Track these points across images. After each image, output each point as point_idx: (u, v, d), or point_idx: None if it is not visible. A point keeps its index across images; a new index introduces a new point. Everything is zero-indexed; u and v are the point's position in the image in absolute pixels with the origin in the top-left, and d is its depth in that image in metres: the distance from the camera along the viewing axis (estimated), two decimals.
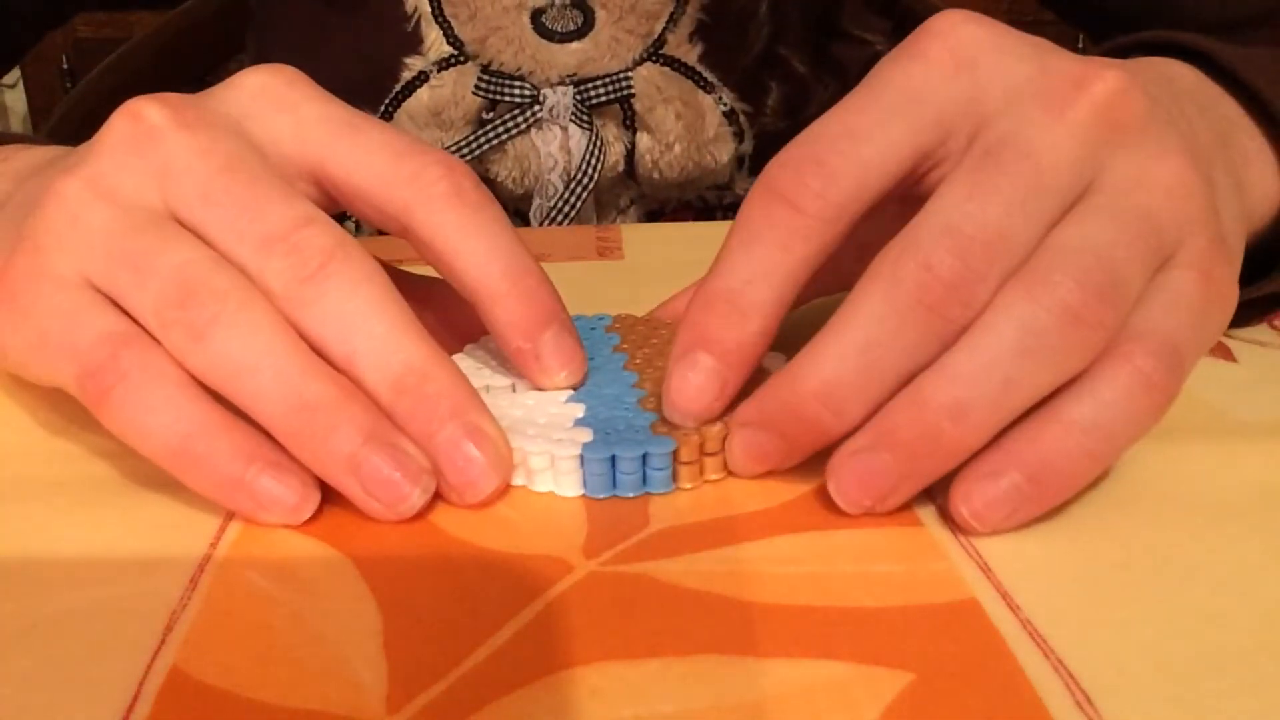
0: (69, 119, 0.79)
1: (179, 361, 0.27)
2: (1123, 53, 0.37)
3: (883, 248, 0.26)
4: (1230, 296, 0.28)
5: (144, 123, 0.29)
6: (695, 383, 0.28)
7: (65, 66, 2.06)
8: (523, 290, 0.29)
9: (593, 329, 0.35)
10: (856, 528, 0.27)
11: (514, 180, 0.58)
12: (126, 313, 0.28)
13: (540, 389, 0.30)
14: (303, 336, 0.27)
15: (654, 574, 0.25)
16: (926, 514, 0.27)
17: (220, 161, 0.28)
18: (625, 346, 0.33)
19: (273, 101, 0.30)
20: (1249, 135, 0.36)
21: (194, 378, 0.27)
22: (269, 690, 0.22)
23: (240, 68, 0.31)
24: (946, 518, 0.27)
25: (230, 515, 0.27)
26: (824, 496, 0.28)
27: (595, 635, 0.23)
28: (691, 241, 0.50)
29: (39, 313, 0.28)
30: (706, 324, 0.28)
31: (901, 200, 0.28)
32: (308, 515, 0.27)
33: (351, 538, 0.26)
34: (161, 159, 0.28)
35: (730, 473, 0.29)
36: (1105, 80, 0.27)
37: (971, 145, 0.27)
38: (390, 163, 0.30)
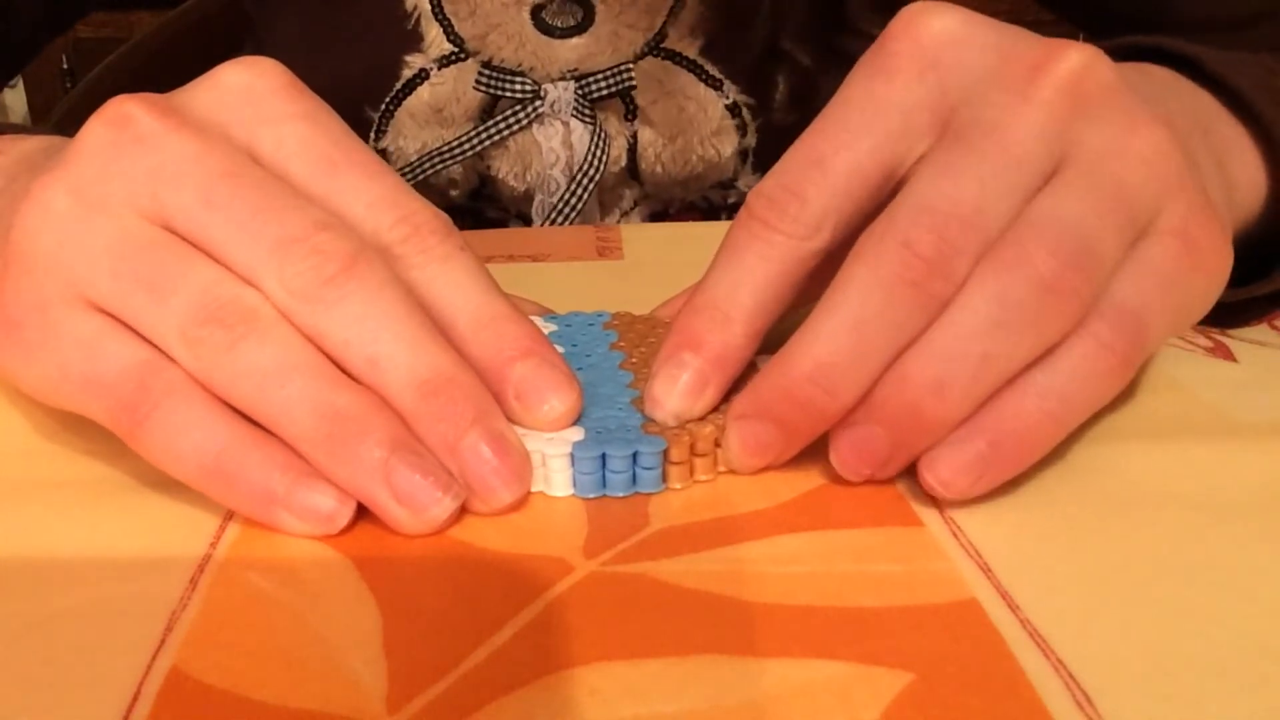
0: (69, 119, 0.79)
1: (202, 381, 0.26)
2: (1113, 55, 0.37)
3: None
4: (1219, 257, 0.29)
5: (130, 127, 0.28)
6: (680, 381, 0.28)
7: (65, 66, 2.07)
8: (489, 334, 0.28)
9: (590, 325, 0.35)
10: (856, 528, 0.27)
11: (515, 176, 0.58)
12: (139, 334, 0.27)
13: (532, 429, 0.29)
14: (319, 340, 0.27)
15: (654, 574, 0.25)
16: (926, 514, 0.27)
17: (219, 165, 0.27)
18: (622, 345, 0.33)
19: (256, 111, 0.29)
20: (1229, 126, 0.36)
21: (218, 398, 0.27)
22: (269, 690, 0.22)
23: None
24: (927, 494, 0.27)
25: (229, 515, 0.27)
26: (824, 496, 0.28)
27: (595, 635, 0.23)
28: (691, 241, 0.50)
29: (53, 344, 0.27)
30: (693, 328, 0.29)
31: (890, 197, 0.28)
32: (343, 525, 0.26)
33: (351, 538, 0.26)
34: (153, 163, 0.27)
35: (726, 471, 0.29)
36: (1067, 59, 0.28)
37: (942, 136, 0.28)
38: (359, 213, 0.29)
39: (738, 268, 0.29)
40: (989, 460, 0.27)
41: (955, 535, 0.26)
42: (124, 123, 0.28)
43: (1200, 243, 0.28)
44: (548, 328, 0.34)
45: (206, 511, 0.27)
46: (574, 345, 0.33)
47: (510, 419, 0.28)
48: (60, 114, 0.81)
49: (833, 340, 0.26)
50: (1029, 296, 0.26)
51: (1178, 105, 0.33)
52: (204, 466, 0.26)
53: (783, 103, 0.60)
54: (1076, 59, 0.28)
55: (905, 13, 0.29)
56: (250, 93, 0.29)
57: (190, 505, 0.27)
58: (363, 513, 0.27)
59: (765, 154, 0.61)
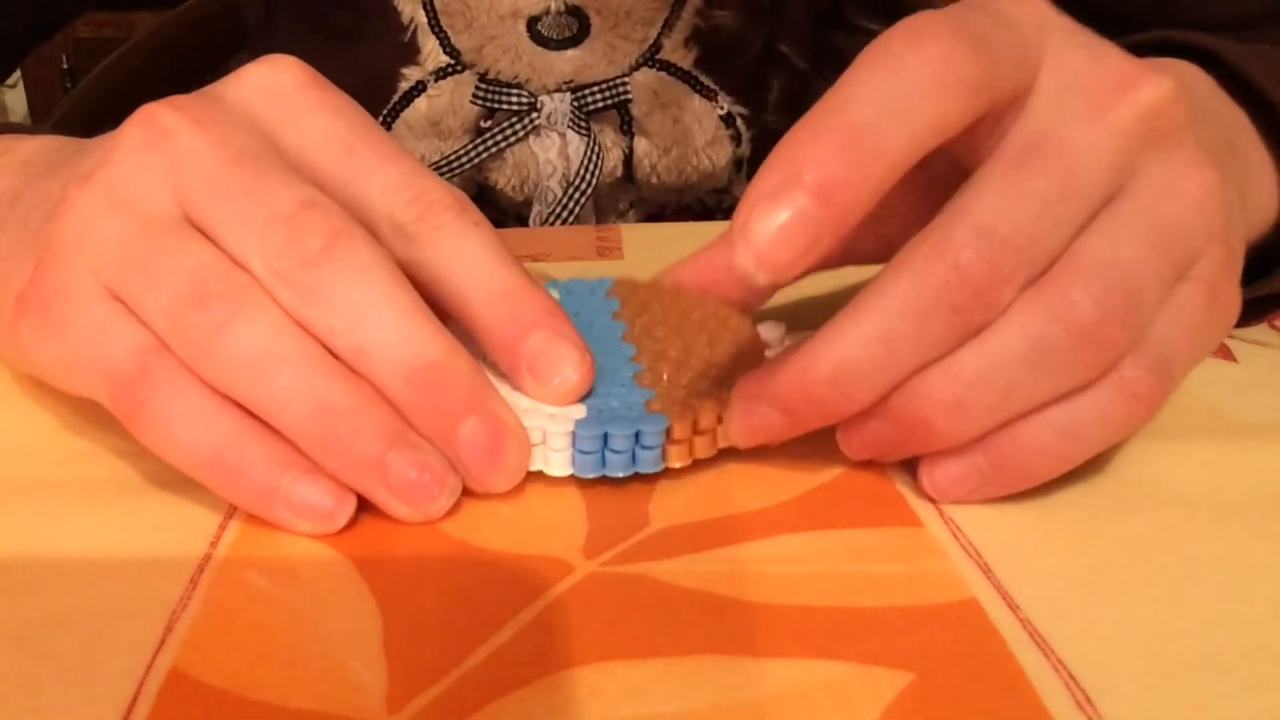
0: (69, 119, 0.79)
1: (193, 368, 0.26)
2: (1132, 52, 0.37)
3: (903, 229, 0.26)
4: (1233, 308, 0.28)
5: (157, 125, 0.28)
6: (784, 226, 0.23)
7: (65, 66, 2.07)
8: (502, 307, 0.28)
9: (592, 293, 0.34)
10: (856, 528, 0.27)
11: (513, 188, 0.58)
12: (142, 319, 0.27)
13: (545, 402, 0.29)
14: (307, 325, 0.27)
15: (654, 574, 0.25)
16: (926, 514, 0.27)
17: (230, 153, 0.28)
18: (624, 314, 0.33)
19: (282, 105, 0.29)
20: (1252, 143, 0.35)
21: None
22: (269, 690, 0.22)
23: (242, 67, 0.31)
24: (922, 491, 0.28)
25: (230, 515, 0.27)
26: (824, 496, 0.28)
27: (595, 635, 0.23)
28: (692, 241, 0.49)
29: (69, 327, 0.28)
30: (816, 156, 0.24)
31: (922, 168, 0.27)
32: (343, 521, 0.26)
33: (351, 538, 0.26)
34: (173, 156, 0.28)
35: (725, 447, 0.29)
36: (1158, 85, 0.27)
37: (1009, 130, 0.26)
38: (375, 196, 0.29)
39: (898, 88, 0.24)
40: (987, 477, 0.27)
41: (955, 535, 0.26)
42: (150, 123, 0.28)
43: (1223, 294, 0.28)
44: (550, 294, 0.34)
45: (207, 511, 0.27)
46: (576, 315, 0.33)
47: (522, 391, 0.29)
48: (60, 114, 0.81)
49: (860, 347, 0.26)
50: (1066, 342, 0.25)
51: (1215, 125, 0.32)
52: (204, 459, 0.26)
53: (776, 105, 0.60)
54: (1162, 89, 0.27)
55: None
56: (274, 88, 0.29)
57: (191, 505, 0.27)
58: (363, 511, 0.27)
59: (760, 163, 0.60)
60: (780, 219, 0.23)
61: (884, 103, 0.24)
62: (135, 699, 0.21)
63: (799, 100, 0.60)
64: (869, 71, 0.24)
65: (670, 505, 0.28)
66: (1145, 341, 0.26)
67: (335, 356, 0.27)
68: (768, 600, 0.24)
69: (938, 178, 0.27)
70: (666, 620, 0.23)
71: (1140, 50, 0.37)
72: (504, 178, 0.58)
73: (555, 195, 0.57)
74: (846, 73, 0.25)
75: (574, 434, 0.28)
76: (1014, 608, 0.24)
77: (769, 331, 0.31)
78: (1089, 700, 0.21)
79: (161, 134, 0.28)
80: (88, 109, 0.79)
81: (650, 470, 0.28)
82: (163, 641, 0.23)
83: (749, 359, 0.30)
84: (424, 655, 0.22)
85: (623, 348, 0.31)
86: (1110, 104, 0.26)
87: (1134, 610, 0.24)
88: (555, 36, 0.56)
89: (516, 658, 0.22)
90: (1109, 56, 0.27)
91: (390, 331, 0.26)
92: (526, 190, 0.58)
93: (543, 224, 0.58)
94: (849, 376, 0.26)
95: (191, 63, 0.81)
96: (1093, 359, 0.26)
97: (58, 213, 0.28)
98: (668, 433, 0.28)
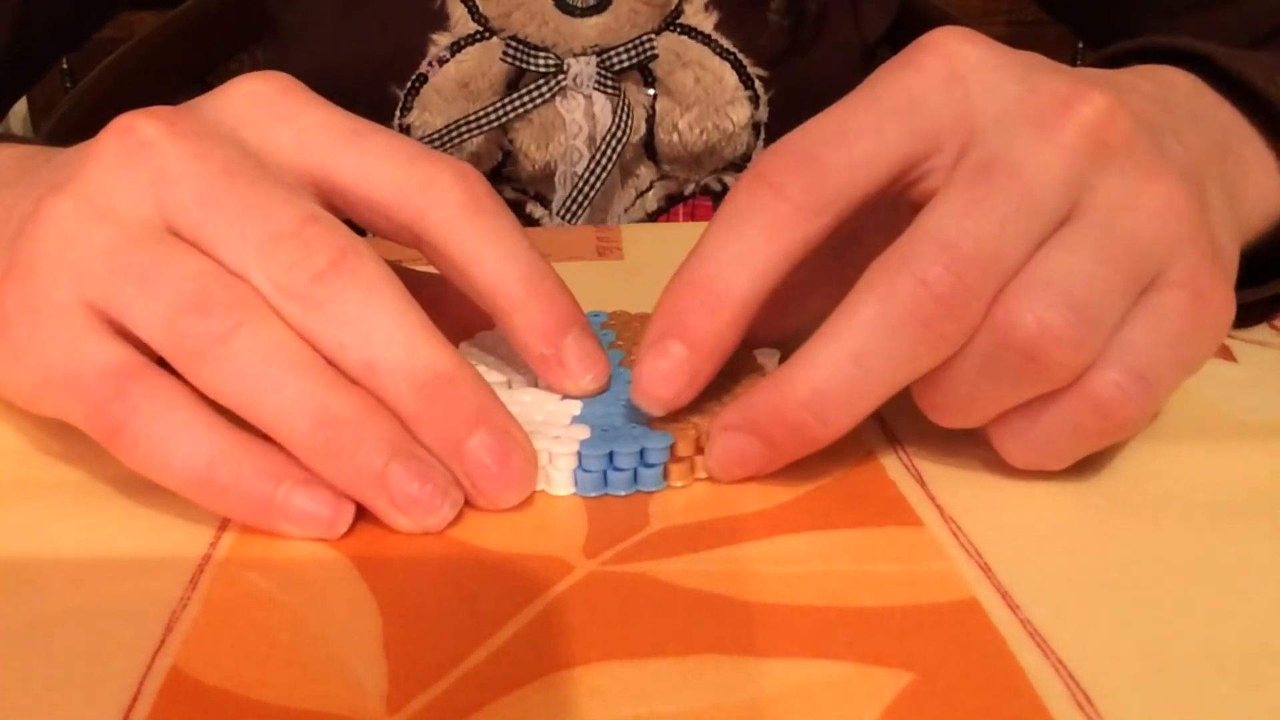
0: (69, 119, 0.79)
1: (190, 380, 0.26)
2: (1120, 60, 0.37)
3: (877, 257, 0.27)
4: (1225, 312, 0.28)
5: (135, 135, 0.28)
6: (665, 371, 0.27)
7: (65, 66, 2.06)
8: (541, 296, 0.29)
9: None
10: (856, 528, 0.27)
11: (539, 147, 0.59)
12: (130, 332, 0.27)
13: (567, 395, 0.30)
14: (315, 341, 0.26)
15: (654, 574, 0.25)
16: (927, 514, 0.27)
17: (217, 165, 0.27)
18: (620, 344, 0.33)
19: (269, 110, 0.29)
20: (1247, 142, 0.35)
21: (206, 400, 0.26)
22: (269, 690, 0.22)
23: (242, 67, 0.31)
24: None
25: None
26: (824, 496, 0.28)
27: (595, 635, 0.23)
28: (691, 242, 0.50)
29: (38, 345, 0.27)
30: (681, 310, 0.28)
31: (893, 208, 0.28)
32: (343, 529, 0.26)
33: (351, 538, 0.26)
34: (155, 168, 0.27)
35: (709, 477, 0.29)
36: (1093, 102, 0.27)
37: (961, 160, 0.27)
38: (401, 170, 0.29)
39: (735, 243, 0.27)
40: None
41: (955, 535, 0.26)
42: (128, 133, 0.28)
43: (1207, 295, 0.27)
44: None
45: (206, 511, 0.27)
46: None
47: (550, 382, 0.29)
48: (60, 114, 0.81)
49: (833, 369, 0.26)
50: (1013, 361, 0.26)
51: (1196, 128, 0.32)
52: (193, 477, 0.26)
53: (780, 6, 0.60)
54: (1101, 104, 0.27)
55: (937, 31, 0.28)
56: (260, 97, 0.29)
57: (190, 505, 0.27)
58: (363, 512, 0.27)
59: (777, 128, 0.61)
60: (660, 366, 0.27)
61: (727, 257, 0.27)
62: (135, 699, 0.21)
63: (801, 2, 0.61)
64: (717, 227, 0.28)
65: (670, 505, 0.28)
66: (1115, 351, 0.26)
67: (342, 372, 0.27)
68: (768, 600, 0.24)
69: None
70: (666, 620, 0.23)
71: (1131, 56, 0.37)
72: (529, 137, 0.59)
73: (581, 154, 0.59)
74: (705, 229, 0.28)
75: (579, 454, 0.28)
76: (1014, 608, 0.24)
77: (765, 359, 0.32)
78: (1089, 700, 0.21)
79: (140, 145, 0.28)
80: (87, 109, 0.79)
81: (652, 488, 0.28)
82: (163, 641, 0.23)
83: (746, 381, 0.30)
84: (424, 655, 0.22)
85: (621, 372, 0.31)
86: (1053, 125, 0.27)
87: (1134, 610, 0.24)
88: (579, 4, 0.58)
89: (516, 658, 0.22)
90: (1042, 81, 0.28)
91: (399, 345, 0.27)
92: (551, 150, 0.59)
93: (570, 185, 0.59)
94: (825, 398, 0.26)
95: (192, 63, 0.81)
96: (1043, 375, 0.26)
97: (31, 224, 0.28)
98: (671, 450, 0.28)
